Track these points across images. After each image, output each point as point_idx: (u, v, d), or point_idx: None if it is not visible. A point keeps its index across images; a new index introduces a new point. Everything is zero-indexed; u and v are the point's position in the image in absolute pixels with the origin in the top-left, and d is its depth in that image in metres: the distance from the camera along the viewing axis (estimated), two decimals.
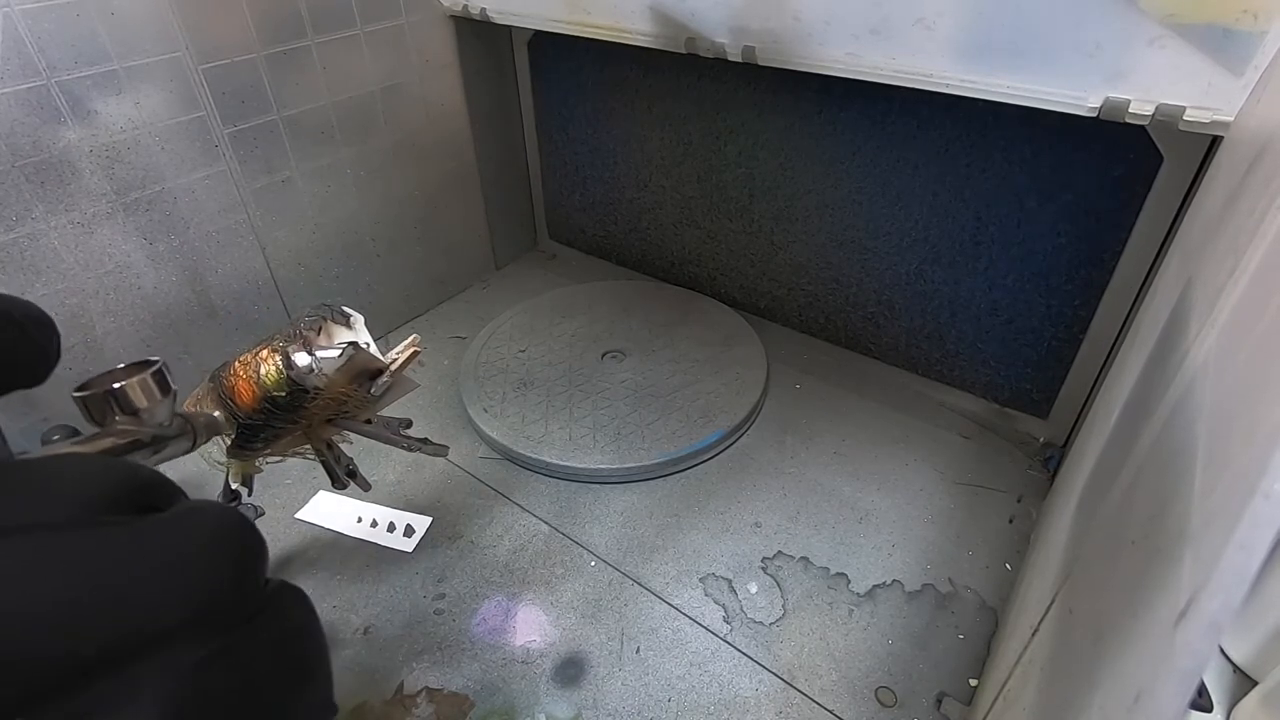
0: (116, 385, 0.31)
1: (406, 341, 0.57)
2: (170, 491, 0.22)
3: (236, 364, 0.51)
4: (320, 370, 0.50)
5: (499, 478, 0.88)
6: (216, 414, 0.43)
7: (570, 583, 0.75)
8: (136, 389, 0.32)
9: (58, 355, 0.25)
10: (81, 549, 0.17)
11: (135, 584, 0.18)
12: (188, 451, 0.39)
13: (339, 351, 0.51)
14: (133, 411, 0.32)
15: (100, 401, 0.31)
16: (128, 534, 0.18)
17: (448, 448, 0.65)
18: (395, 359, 0.56)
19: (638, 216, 1.22)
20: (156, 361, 0.33)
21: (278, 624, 0.22)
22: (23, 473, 0.19)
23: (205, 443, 0.44)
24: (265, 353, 0.51)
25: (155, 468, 0.23)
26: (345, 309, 0.57)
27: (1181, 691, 0.21)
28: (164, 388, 0.33)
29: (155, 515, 0.20)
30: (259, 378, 0.50)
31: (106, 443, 0.29)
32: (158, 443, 0.33)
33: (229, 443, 0.53)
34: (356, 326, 0.56)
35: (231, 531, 0.21)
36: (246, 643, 0.21)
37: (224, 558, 0.20)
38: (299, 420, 0.53)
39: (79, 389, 0.31)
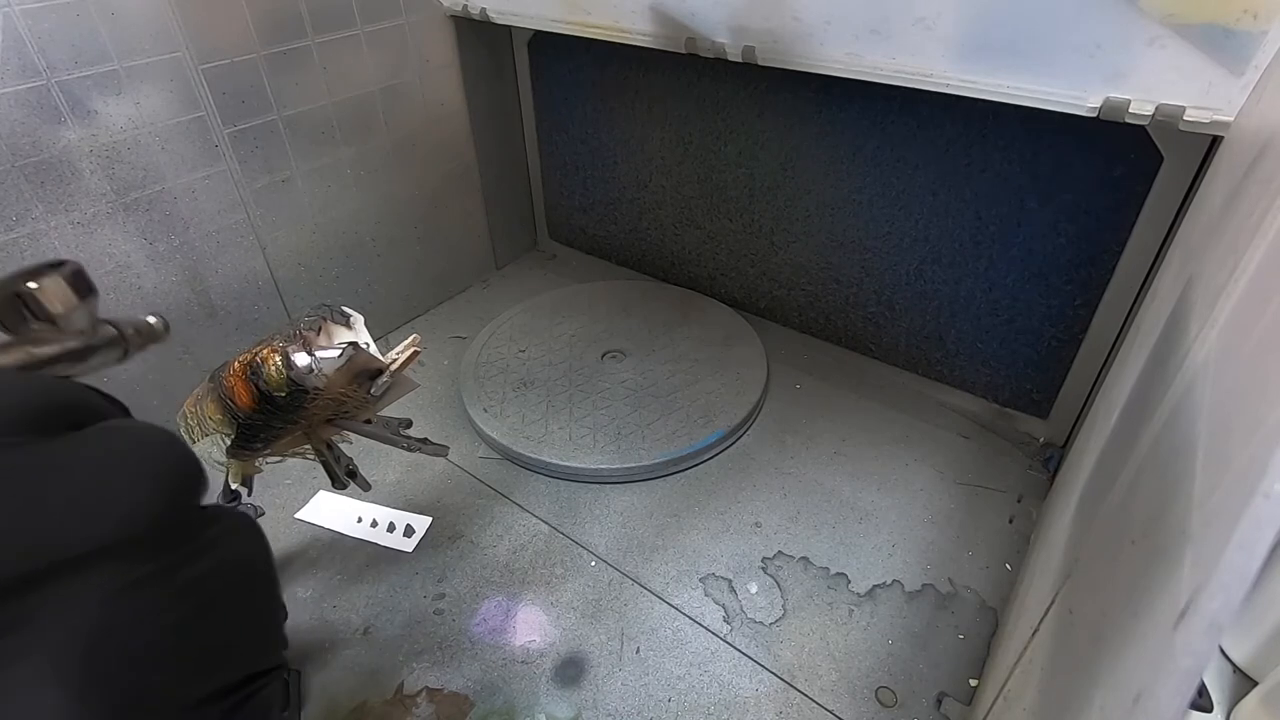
0: (29, 286, 0.27)
1: (406, 342, 0.57)
2: (94, 408, 0.20)
3: (236, 364, 0.51)
4: (320, 370, 0.50)
5: (499, 478, 0.88)
6: (151, 319, 0.39)
7: (570, 583, 0.75)
8: (50, 291, 0.28)
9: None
10: None
11: (47, 507, 0.17)
12: (119, 361, 0.35)
13: (339, 352, 0.51)
14: (48, 318, 0.28)
15: (8, 305, 0.27)
16: (40, 455, 0.17)
17: (448, 448, 0.65)
18: (395, 359, 0.56)
19: (638, 216, 1.22)
20: (69, 262, 0.29)
21: (216, 553, 0.21)
22: None
23: (140, 351, 0.40)
24: (265, 353, 0.51)
25: (85, 380, 0.22)
26: (345, 309, 0.57)
27: (1182, 691, 0.21)
28: (82, 289, 0.30)
29: (72, 434, 0.19)
30: (259, 377, 0.50)
31: (18, 353, 0.26)
32: (83, 354, 0.29)
33: (228, 443, 0.53)
34: (356, 327, 0.56)
35: (156, 451, 0.19)
36: (179, 570, 0.19)
37: (145, 479, 0.19)
38: (299, 420, 0.53)
39: None
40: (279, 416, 0.51)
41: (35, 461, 0.17)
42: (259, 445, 0.54)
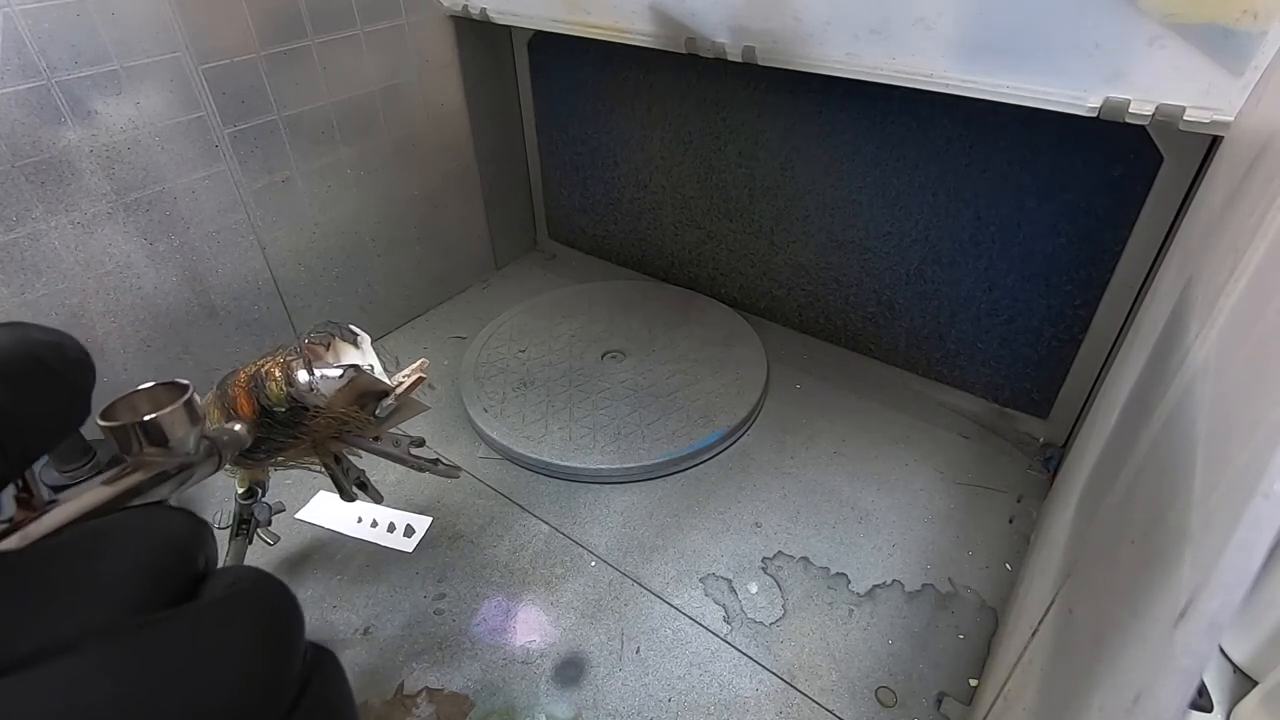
0: (148, 417, 0.29)
1: (414, 365, 0.57)
2: (205, 552, 0.21)
3: (242, 374, 0.51)
4: (319, 390, 0.50)
5: (499, 478, 0.88)
6: (238, 427, 0.42)
7: (570, 583, 0.75)
8: (170, 420, 0.29)
9: (89, 402, 0.23)
10: (131, 662, 0.17)
11: (187, 692, 0.17)
12: (213, 473, 0.37)
13: (339, 372, 0.50)
14: (162, 443, 0.29)
15: (129, 434, 0.28)
16: (175, 635, 0.18)
17: (460, 469, 0.65)
18: (400, 382, 0.55)
19: (638, 216, 1.22)
20: (187, 387, 0.31)
21: (322, 708, 0.21)
22: (60, 564, 0.18)
23: (230, 461, 0.43)
24: (269, 366, 0.51)
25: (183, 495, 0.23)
26: (353, 328, 0.56)
27: (1181, 691, 0.21)
28: (194, 416, 0.31)
29: (198, 606, 0.19)
30: (261, 391, 0.50)
31: (135, 478, 0.27)
32: (185, 470, 0.30)
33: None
34: (364, 347, 0.56)
35: (276, 615, 0.20)
36: None
37: (271, 647, 0.19)
38: (300, 436, 0.53)
39: (104, 415, 0.28)
40: (280, 431, 0.51)
41: (181, 638, 0.18)
42: (262, 456, 0.53)
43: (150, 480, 0.27)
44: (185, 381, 0.31)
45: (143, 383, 0.30)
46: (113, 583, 0.18)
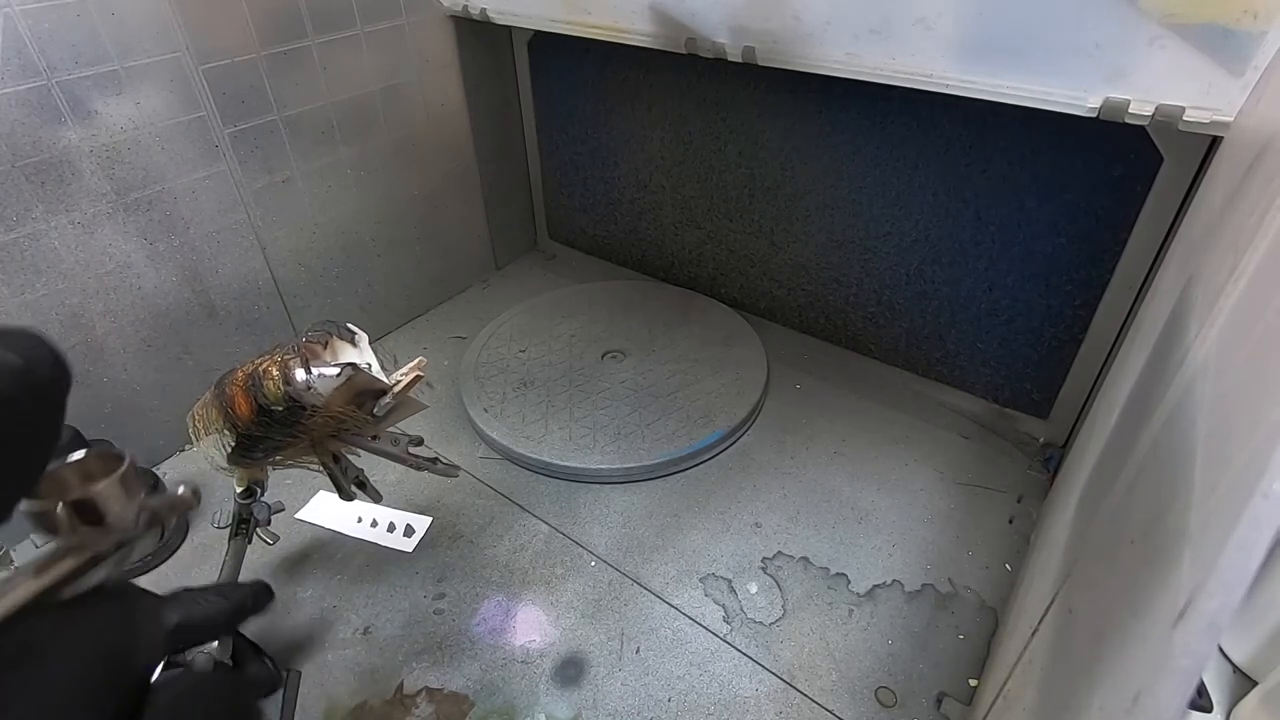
0: (80, 495, 0.25)
1: (412, 364, 0.57)
2: (144, 644, 0.20)
3: (239, 373, 0.51)
4: (316, 388, 0.50)
5: (499, 478, 0.88)
6: (181, 490, 0.37)
7: (570, 583, 0.75)
8: (105, 496, 0.25)
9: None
10: None
11: None
12: (156, 544, 0.34)
13: (337, 370, 0.50)
14: (98, 521, 0.25)
15: (58, 517, 0.24)
16: None
17: (459, 468, 0.65)
18: (398, 380, 0.55)
19: (638, 216, 1.22)
20: (122, 456, 0.27)
21: None
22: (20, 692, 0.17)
23: (172, 526, 0.40)
24: (266, 365, 0.51)
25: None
26: (351, 327, 0.56)
27: (1181, 691, 0.21)
28: (133, 488, 0.27)
29: None
30: (258, 389, 0.49)
31: (66, 565, 0.23)
32: (124, 548, 0.26)
33: (229, 449, 0.53)
34: (361, 345, 0.56)
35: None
36: None
37: None
38: (299, 435, 0.53)
39: (28, 499, 0.24)
40: (277, 430, 0.51)
41: None
42: (260, 455, 0.53)
43: (84, 565, 0.24)
44: (120, 451, 0.27)
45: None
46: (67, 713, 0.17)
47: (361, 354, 0.55)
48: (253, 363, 0.51)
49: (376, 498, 0.63)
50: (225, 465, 0.54)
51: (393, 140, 1.04)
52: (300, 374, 0.50)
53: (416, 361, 0.57)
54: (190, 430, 0.53)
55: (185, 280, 0.87)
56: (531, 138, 1.27)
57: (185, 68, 0.79)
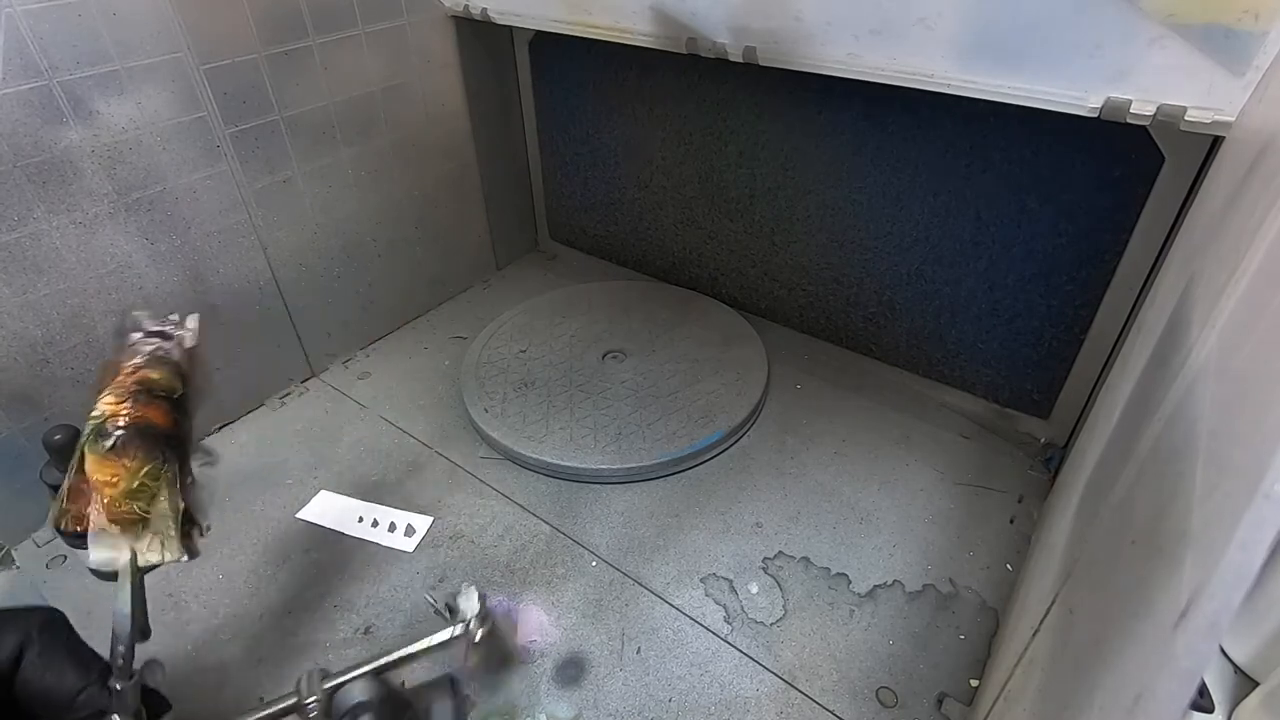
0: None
1: (189, 324, 0.53)
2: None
3: (120, 408, 0.45)
4: (184, 345, 0.50)
5: (499, 478, 0.88)
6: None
7: (571, 583, 0.75)
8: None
9: None
10: None
11: None
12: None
13: (180, 321, 0.51)
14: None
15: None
16: None
17: (214, 454, 0.62)
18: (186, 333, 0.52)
19: (638, 217, 1.22)
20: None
21: None
22: None
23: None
24: (140, 374, 0.47)
25: None
26: (174, 317, 0.53)
27: (1182, 692, 0.21)
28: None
29: None
30: (155, 389, 0.47)
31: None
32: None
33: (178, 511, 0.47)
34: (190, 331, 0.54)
35: None
36: None
37: None
38: (192, 415, 0.50)
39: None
40: (187, 418, 0.49)
41: None
42: (188, 478, 0.48)
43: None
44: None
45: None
46: None
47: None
48: (113, 396, 0.45)
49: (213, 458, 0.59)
50: (175, 552, 0.46)
51: (393, 140, 1.04)
52: (167, 349, 0.49)
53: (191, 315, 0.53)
54: (99, 538, 0.44)
55: (186, 280, 0.87)
56: (532, 138, 1.28)
57: (186, 68, 0.79)
